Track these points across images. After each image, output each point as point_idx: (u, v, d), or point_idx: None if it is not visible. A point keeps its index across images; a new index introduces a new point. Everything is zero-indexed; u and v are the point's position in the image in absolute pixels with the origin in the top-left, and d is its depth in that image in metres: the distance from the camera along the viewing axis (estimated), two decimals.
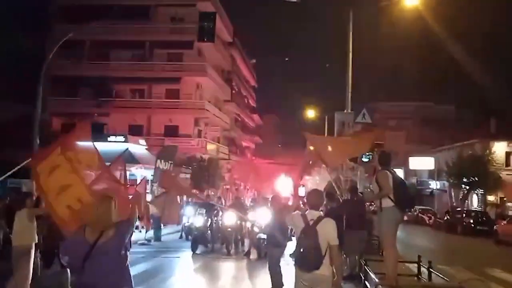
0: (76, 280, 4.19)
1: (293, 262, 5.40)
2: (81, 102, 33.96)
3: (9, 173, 8.03)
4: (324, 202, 8.08)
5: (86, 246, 3.91)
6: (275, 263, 8.56)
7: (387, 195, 6.46)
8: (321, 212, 5.47)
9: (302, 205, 9.54)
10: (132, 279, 4.25)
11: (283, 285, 8.42)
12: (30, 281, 7.19)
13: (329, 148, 9.44)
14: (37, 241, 7.51)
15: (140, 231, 16.12)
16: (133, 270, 10.63)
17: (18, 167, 7.37)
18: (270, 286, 8.43)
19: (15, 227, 7.31)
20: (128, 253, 4.25)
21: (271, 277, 8.45)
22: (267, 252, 9.07)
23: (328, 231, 5.11)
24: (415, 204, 28.62)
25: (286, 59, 76.08)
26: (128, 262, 4.22)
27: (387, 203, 6.50)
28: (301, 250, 5.08)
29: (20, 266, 7.12)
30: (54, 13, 33.65)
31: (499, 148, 35.68)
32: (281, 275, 8.48)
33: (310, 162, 12.92)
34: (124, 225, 4.25)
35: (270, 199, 10.97)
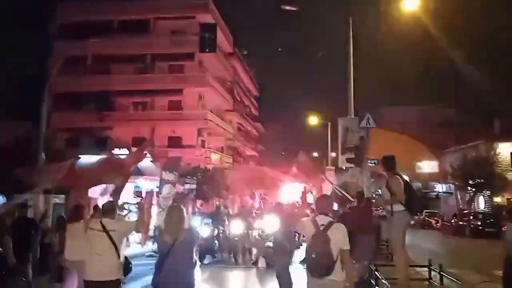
0: (156, 273, 5.17)
1: (304, 269, 5.36)
2: (84, 117, 34.08)
3: None
4: (336, 208, 8.07)
5: (165, 247, 5.00)
6: (282, 270, 8.49)
7: (400, 200, 6.45)
8: (331, 218, 5.44)
9: (310, 212, 9.51)
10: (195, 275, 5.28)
11: None
12: None
13: None
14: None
15: (153, 242, 16.05)
16: (142, 282, 10.70)
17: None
18: None
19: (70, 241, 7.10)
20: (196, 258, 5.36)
21: (279, 285, 8.38)
22: (274, 260, 9.03)
23: (339, 236, 5.07)
24: (425, 207, 28.51)
25: (279, 49, 73.79)
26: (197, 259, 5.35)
27: (398, 207, 6.50)
28: (313, 256, 5.04)
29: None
30: (55, 30, 33.95)
31: (504, 149, 35.48)
32: (291, 283, 8.40)
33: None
34: (193, 233, 5.42)
35: (274, 207, 10.97)
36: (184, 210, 5.32)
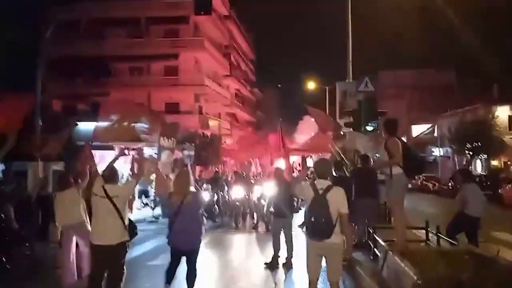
0: (169, 229, 6.09)
1: (303, 232, 5.42)
2: (80, 83, 33.70)
3: None
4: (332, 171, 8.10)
5: (174, 206, 5.99)
6: (277, 232, 8.64)
7: (398, 162, 6.46)
8: (330, 182, 5.45)
9: (309, 175, 9.54)
10: (204, 231, 6.45)
11: (290, 265, 8.47)
12: None
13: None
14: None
15: (154, 208, 16.23)
16: (144, 247, 10.86)
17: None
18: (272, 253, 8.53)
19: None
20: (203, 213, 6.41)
21: (273, 245, 8.55)
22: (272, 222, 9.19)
23: (338, 199, 5.11)
24: (423, 170, 28.70)
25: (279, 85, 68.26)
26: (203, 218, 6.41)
27: (397, 170, 6.51)
28: (312, 219, 5.08)
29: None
30: None
31: (502, 113, 35.46)
32: (291, 249, 8.54)
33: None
34: (198, 193, 6.44)
35: (273, 171, 11.01)
36: (191, 174, 6.27)
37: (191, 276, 6.10)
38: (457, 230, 8.21)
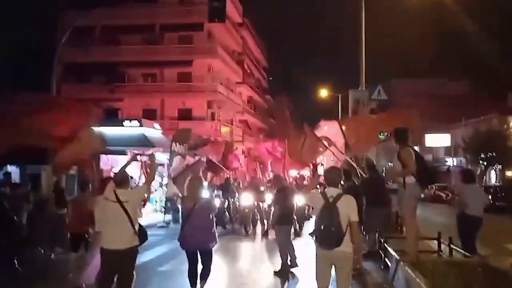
0: (180, 231, 6.39)
1: (313, 240, 5.40)
2: (94, 88, 34.09)
3: None
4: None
5: (186, 210, 6.32)
6: (284, 240, 8.63)
7: (412, 172, 6.41)
8: (340, 190, 5.43)
9: (320, 184, 9.51)
10: (217, 235, 6.54)
11: (295, 264, 8.48)
12: None
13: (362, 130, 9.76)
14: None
15: (165, 213, 16.26)
16: (154, 252, 10.86)
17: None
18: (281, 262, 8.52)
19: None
20: (214, 217, 6.58)
21: (280, 254, 8.53)
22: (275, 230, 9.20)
23: (348, 208, 5.08)
24: (436, 180, 28.29)
25: (270, 78, 68.44)
26: (214, 223, 6.59)
27: (410, 179, 6.47)
28: (322, 227, 5.06)
29: None
30: (63, 1, 33.59)
31: None
32: (293, 252, 8.56)
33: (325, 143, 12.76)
34: (209, 200, 6.91)
35: (272, 178, 11.05)
36: (203, 180, 6.76)
37: (204, 274, 6.46)
38: (465, 236, 8.08)
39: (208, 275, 6.47)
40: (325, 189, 5.34)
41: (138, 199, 5.76)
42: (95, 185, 7.58)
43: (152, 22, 35.19)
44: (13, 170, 15.44)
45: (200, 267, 6.50)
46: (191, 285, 6.46)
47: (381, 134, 11.81)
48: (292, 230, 10.34)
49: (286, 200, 8.71)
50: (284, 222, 8.64)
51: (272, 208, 12.74)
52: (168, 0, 36.03)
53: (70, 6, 31.41)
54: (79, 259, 7.33)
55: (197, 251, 6.38)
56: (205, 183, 6.59)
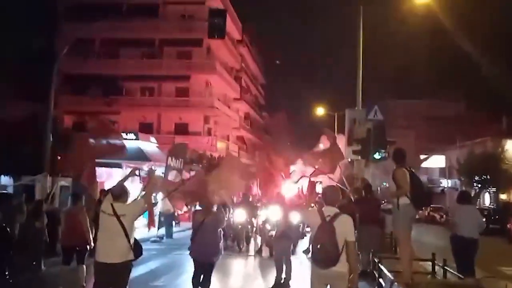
0: (191, 243, 6.98)
1: (308, 259, 5.38)
2: (92, 100, 34.09)
3: None
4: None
5: (198, 223, 6.92)
6: (280, 256, 8.63)
7: (406, 193, 6.43)
8: (337, 209, 5.42)
9: (316, 202, 9.51)
10: (222, 249, 7.20)
11: (289, 278, 8.48)
12: None
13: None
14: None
15: (158, 228, 16.14)
16: (147, 267, 10.78)
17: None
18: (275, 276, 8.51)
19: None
20: (222, 232, 7.30)
21: (276, 268, 8.53)
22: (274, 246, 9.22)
23: (346, 227, 5.07)
24: (431, 202, 28.31)
25: (277, 61, 73.72)
26: (222, 236, 7.32)
27: (404, 200, 6.48)
28: (318, 246, 5.03)
29: None
30: (63, 12, 33.82)
31: (511, 146, 35.21)
32: (290, 268, 8.54)
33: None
34: (220, 214, 7.23)
35: (274, 197, 11.08)
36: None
37: (204, 284, 6.96)
38: (460, 257, 7.96)
39: (209, 285, 6.97)
40: (323, 208, 5.33)
41: (135, 214, 5.71)
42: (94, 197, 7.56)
43: (152, 36, 35.40)
44: (7, 181, 15.35)
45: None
46: None
47: (379, 154, 11.88)
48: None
49: (284, 217, 8.71)
50: (281, 238, 8.62)
51: (269, 225, 12.74)
52: (169, 15, 36.30)
53: (71, 17, 31.67)
54: (70, 272, 7.26)
55: (202, 261, 6.90)
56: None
